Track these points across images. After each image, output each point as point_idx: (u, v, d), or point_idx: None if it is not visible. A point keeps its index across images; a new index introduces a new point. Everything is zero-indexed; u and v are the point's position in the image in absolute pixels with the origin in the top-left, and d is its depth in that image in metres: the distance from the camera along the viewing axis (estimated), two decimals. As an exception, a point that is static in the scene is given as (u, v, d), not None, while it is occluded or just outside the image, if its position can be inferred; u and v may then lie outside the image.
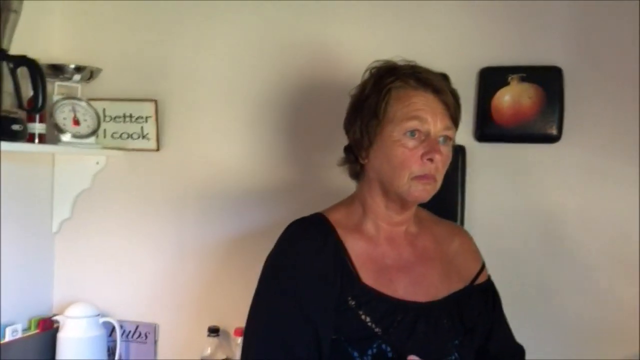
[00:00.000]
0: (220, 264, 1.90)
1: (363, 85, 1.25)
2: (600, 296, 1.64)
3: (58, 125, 1.79)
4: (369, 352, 1.14)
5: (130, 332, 1.93)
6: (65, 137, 1.80)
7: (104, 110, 1.91)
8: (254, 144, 1.87)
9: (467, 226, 1.66)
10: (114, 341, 1.88)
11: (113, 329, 1.89)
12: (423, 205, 1.31)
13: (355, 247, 1.21)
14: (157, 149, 1.91)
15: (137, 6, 1.93)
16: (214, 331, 1.81)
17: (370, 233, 1.25)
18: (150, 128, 1.90)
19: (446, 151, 1.20)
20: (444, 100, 1.20)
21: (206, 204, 1.90)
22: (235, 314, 1.85)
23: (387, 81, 1.19)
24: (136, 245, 1.95)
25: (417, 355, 1.13)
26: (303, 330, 1.14)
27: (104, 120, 1.90)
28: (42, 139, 1.75)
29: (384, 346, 1.14)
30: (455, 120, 1.23)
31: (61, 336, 1.81)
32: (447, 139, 1.20)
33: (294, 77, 1.84)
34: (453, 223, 1.38)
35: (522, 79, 1.64)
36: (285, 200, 1.84)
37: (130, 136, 1.92)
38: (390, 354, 1.14)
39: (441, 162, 1.18)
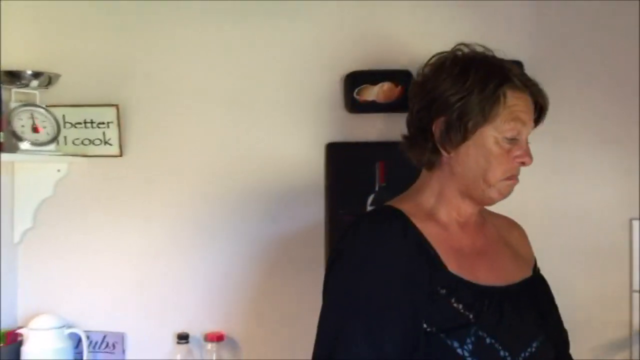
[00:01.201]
0: (186, 270, 1.87)
1: (461, 77, 1.17)
2: (573, 286, 1.65)
3: (16, 133, 1.74)
4: (468, 340, 1.10)
5: (97, 342, 1.89)
6: (24, 145, 1.76)
7: (64, 116, 1.87)
8: (220, 148, 1.85)
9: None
10: (81, 353, 1.84)
11: (80, 340, 1.84)
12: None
13: (433, 235, 1.18)
14: (120, 155, 1.88)
15: (96, 10, 1.90)
16: (183, 338, 1.78)
17: (444, 221, 1.22)
18: (112, 133, 1.86)
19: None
20: (538, 102, 1.21)
21: (171, 210, 1.87)
22: (205, 319, 1.85)
23: (496, 80, 1.16)
24: (101, 253, 1.91)
25: (509, 338, 1.12)
26: (394, 323, 1.09)
27: (65, 127, 1.86)
28: (0, 148, 1.71)
29: (480, 333, 1.11)
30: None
31: (25, 349, 1.76)
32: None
33: (262, 77, 1.83)
34: (507, 216, 1.37)
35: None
36: (253, 205, 1.83)
37: (92, 142, 1.88)
38: (487, 341, 1.11)
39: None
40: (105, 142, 1.87)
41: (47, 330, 1.76)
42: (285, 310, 1.80)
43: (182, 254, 1.87)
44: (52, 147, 1.81)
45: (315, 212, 1.77)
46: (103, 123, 1.86)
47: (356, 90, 1.73)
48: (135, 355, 1.89)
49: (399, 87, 1.69)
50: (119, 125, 1.86)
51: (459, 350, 1.09)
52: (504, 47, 1.63)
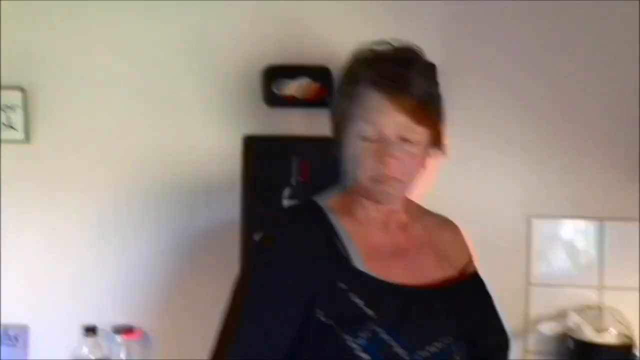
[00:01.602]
0: (95, 262, 1.82)
1: (339, 79, 1.24)
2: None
3: None
4: (362, 335, 1.12)
5: (-3, 335, 1.81)
6: None
7: (-36, 98, 1.77)
8: (134, 140, 1.81)
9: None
10: (-20, 346, 1.76)
11: (-22, 333, 1.76)
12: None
13: (350, 231, 1.20)
14: (27, 141, 1.80)
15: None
16: (90, 330, 1.74)
17: (364, 219, 1.23)
18: (17, 118, 1.78)
19: (406, 154, 1.16)
20: (410, 99, 1.15)
21: (80, 200, 1.81)
22: (115, 312, 1.80)
23: (353, 81, 1.18)
24: (3, 243, 1.82)
25: (412, 336, 1.14)
26: (288, 312, 1.13)
27: (-35, 108, 1.76)
28: None
29: (377, 329, 1.12)
30: (426, 117, 1.17)
31: None
32: (404, 139, 1.16)
33: (178, 68, 1.80)
34: (442, 215, 1.38)
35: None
36: (167, 198, 1.81)
37: (-5, 126, 1.79)
38: (384, 337, 1.12)
39: (397, 165, 1.15)
40: (10, 127, 1.79)
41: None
42: (198, 304, 1.79)
43: (90, 246, 1.82)
44: (-50, 129, 1.71)
45: (231, 206, 1.76)
46: (8, 106, 1.77)
47: (275, 84, 1.74)
48: (39, 348, 1.82)
49: (317, 84, 1.71)
50: (25, 110, 1.77)
51: (350, 343, 1.11)
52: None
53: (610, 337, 1.65)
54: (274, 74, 1.74)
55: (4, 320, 1.81)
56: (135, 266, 1.82)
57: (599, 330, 1.66)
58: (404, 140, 1.16)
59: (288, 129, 1.77)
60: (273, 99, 1.75)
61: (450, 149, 1.68)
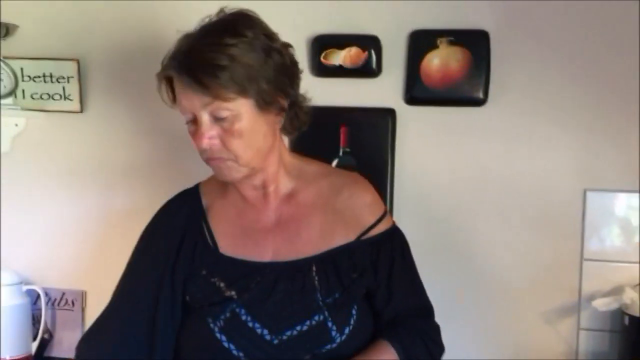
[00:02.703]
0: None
1: None
2: (528, 253, 1.71)
3: (-28, 85, 1.69)
4: (222, 316, 1.13)
5: (56, 299, 1.88)
6: (-21, 98, 1.71)
7: (22, 69, 1.82)
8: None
9: (396, 188, 1.70)
10: (39, 309, 1.83)
11: (38, 296, 1.83)
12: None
13: (221, 215, 1.22)
14: (81, 111, 1.84)
15: (56, -40, 1.83)
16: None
17: (237, 199, 1.25)
18: (72, 89, 1.82)
19: (219, 129, 1.12)
20: (197, 77, 1.09)
21: (132, 169, 1.85)
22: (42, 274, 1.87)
23: (162, 62, 1.19)
24: (60, 210, 1.88)
25: (276, 315, 1.12)
26: (149, 286, 1.22)
27: (22, 80, 1.81)
28: (-45, 100, 1.66)
29: (237, 310, 1.13)
30: (221, 90, 1.10)
31: (-19, 306, 1.75)
32: (216, 117, 1.12)
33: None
34: (350, 175, 1.32)
35: (451, 42, 1.66)
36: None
37: (51, 97, 1.83)
38: (244, 318, 1.12)
39: (217, 144, 1.13)
40: (65, 98, 1.83)
41: (5, 287, 1.74)
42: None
43: (143, 214, 1.85)
44: (9, 100, 1.77)
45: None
46: (63, 77, 1.82)
47: (323, 54, 1.72)
48: (95, 313, 1.87)
49: (366, 53, 1.69)
50: (79, 80, 1.81)
51: (212, 325, 1.14)
52: (472, 17, 1.67)
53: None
54: (322, 44, 1.72)
55: (62, 285, 1.88)
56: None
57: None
58: (217, 118, 1.11)
59: (335, 99, 1.75)
60: (321, 69, 1.73)
61: (505, 121, 1.67)
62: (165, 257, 1.21)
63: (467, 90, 1.66)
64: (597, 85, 1.68)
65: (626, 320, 1.61)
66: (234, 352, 1.12)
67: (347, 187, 1.27)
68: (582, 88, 1.68)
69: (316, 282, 1.16)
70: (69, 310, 1.88)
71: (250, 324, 1.12)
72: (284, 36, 1.75)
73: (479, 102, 1.67)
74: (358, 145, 1.67)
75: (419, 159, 1.73)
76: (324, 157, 1.70)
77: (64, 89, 1.82)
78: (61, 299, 1.88)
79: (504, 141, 1.70)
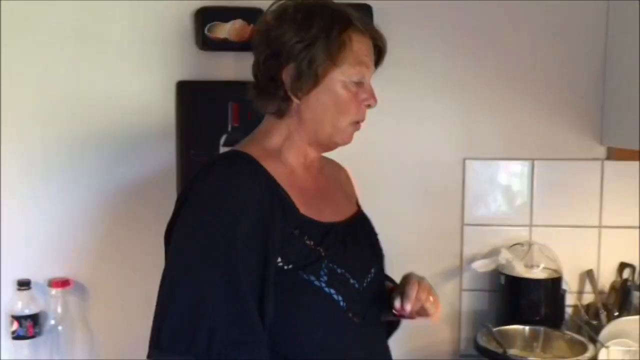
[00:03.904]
0: (25, 213, 1.77)
1: (305, 24, 1.17)
2: (413, 220, 1.79)
3: None
4: (322, 273, 1.16)
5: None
6: None
7: None
8: (60, 87, 1.74)
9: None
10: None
11: None
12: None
13: (283, 179, 1.19)
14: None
15: None
16: (24, 284, 1.70)
17: (291, 164, 1.24)
18: None
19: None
20: (377, 45, 1.24)
21: (3, 148, 1.74)
22: (50, 266, 1.76)
23: (340, 25, 1.17)
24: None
25: (356, 267, 1.22)
26: (251, 270, 1.10)
27: None
28: None
29: (331, 265, 1.17)
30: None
31: None
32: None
33: (106, 10, 1.72)
34: (333, 160, 1.41)
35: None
36: (99, 147, 1.75)
37: None
38: (338, 271, 1.18)
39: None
40: None
41: None
42: (135, 255, 1.77)
43: (22, 198, 1.76)
44: None
45: (166, 154, 1.73)
46: None
47: (207, 27, 1.68)
48: None
49: (252, 26, 1.67)
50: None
51: (316, 283, 1.15)
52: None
53: (539, 272, 1.73)
54: (206, 16, 1.69)
55: None
56: (69, 218, 1.77)
57: (529, 265, 1.73)
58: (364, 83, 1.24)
59: (223, 74, 1.73)
60: (206, 43, 1.69)
61: (389, 93, 1.71)
62: (263, 231, 1.12)
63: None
64: (475, 61, 1.76)
65: (502, 280, 1.73)
66: (341, 304, 1.18)
67: (341, 168, 1.43)
68: (461, 64, 1.76)
69: (363, 240, 1.30)
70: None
71: (346, 276, 1.19)
72: (166, 8, 1.72)
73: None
74: (247, 121, 1.65)
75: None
76: (213, 133, 1.70)
77: None
78: None
79: (384, 112, 1.74)
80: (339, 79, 1.18)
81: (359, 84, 1.21)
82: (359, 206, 1.39)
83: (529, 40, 1.76)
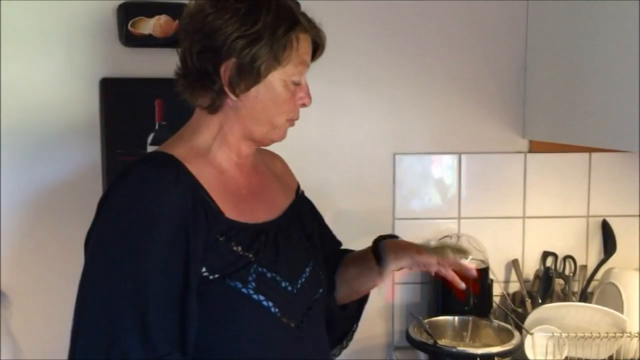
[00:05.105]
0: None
1: (250, 18, 1.11)
2: (345, 216, 1.79)
3: None
4: (250, 278, 1.12)
5: None
6: None
7: None
8: None
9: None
10: None
11: None
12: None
13: (210, 180, 1.14)
14: None
15: None
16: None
17: (221, 164, 1.19)
18: None
19: None
20: (316, 42, 1.22)
21: None
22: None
23: (287, 23, 1.13)
24: None
25: (288, 268, 1.18)
26: (166, 272, 1.05)
27: None
28: None
29: (260, 269, 1.14)
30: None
31: None
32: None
33: (20, 3, 1.64)
34: (267, 149, 1.36)
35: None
36: (18, 147, 1.68)
37: None
38: (268, 275, 1.15)
39: None
40: None
41: None
42: (57, 258, 1.71)
43: None
44: None
45: (90, 153, 1.68)
46: None
47: (130, 22, 1.64)
48: None
49: (177, 21, 1.64)
50: None
51: (243, 290, 1.12)
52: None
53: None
54: (129, 11, 1.64)
55: None
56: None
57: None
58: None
59: (148, 70, 1.69)
60: (129, 39, 1.65)
61: (320, 90, 1.72)
62: (184, 239, 1.07)
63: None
64: (402, 59, 1.79)
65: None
66: (272, 309, 1.14)
67: (276, 157, 1.40)
68: (389, 62, 1.79)
69: (295, 235, 1.27)
70: None
71: (277, 279, 1.16)
72: (90, 2, 1.66)
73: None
74: (174, 118, 1.62)
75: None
76: (140, 131, 1.66)
77: None
78: None
79: (315, 107, 1.74)
80: (280, 78, 1.15)
81: (297, 82, 1.19)
82: (297, 193, 1.36)
83: (454, 39, 1.80)
